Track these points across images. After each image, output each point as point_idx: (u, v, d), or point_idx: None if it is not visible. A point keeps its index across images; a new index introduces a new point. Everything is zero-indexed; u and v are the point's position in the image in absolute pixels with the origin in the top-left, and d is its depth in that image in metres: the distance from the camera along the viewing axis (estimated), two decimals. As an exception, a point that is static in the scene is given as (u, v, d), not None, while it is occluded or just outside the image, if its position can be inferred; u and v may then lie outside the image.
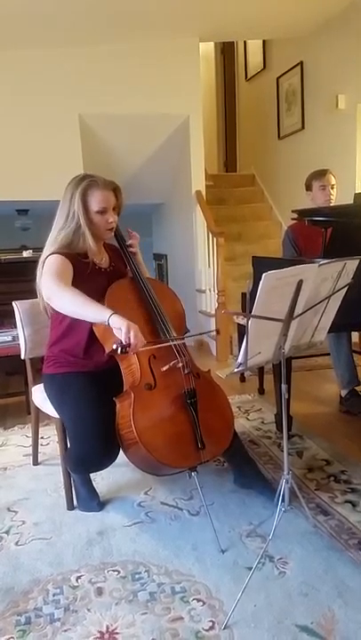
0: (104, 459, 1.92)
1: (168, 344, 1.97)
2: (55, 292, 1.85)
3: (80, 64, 4.53)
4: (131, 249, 2.19)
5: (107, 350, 1.95)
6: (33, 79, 4.46)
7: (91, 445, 1.89)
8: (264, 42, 6.11)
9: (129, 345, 1.70)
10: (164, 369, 1.93)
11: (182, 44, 4.75)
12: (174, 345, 1.99)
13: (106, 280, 2.06)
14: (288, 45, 5.53)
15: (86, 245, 2.01)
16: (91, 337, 2.00)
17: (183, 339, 2.07)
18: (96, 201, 1.98)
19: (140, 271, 2.14)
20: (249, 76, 6.73)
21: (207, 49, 7.50)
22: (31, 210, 5.86)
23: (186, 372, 1.96)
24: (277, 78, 5.78)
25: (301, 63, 5.26)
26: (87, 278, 2.00)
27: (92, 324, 1.98)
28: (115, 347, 1.71)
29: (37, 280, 2.02)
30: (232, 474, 2.21)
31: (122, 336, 1.70)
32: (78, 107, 4.59)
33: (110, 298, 1.98)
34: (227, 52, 7.56)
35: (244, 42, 6.77)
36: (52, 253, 1.97)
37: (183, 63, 4.79)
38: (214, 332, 1.94)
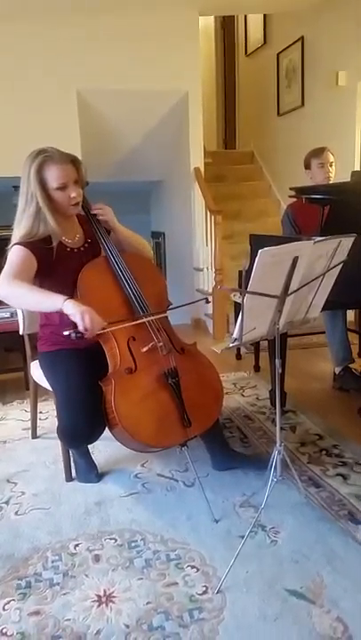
0: (87, 432, 1.93)
1: (137, 322, 1.90)
2: (7, 292, 1.80)
3: (78, 39, 4.46)
4: (100, 218, 2.06)
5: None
6: (30, 54, 4.40)
7: (76, 419, 1.91)
8: (265, 16, 6.01)
9: (86, 330, 1.68)
10: (144, 350, 1.91)
11: (182, 18, 4.68)
12: (150, 325, 1.95)
13: (79, 260, 1.99)
14: (289, 20, 5.45)
15: (49, 229, 1.91)
16: None
17: (153, 315, 1.97)
18: (53, 177, 1.87)
19: (113, 249, 2.03)
20: (249, 52, 6.64)
21: (207, 23, 7.38)
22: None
23: (164, 352, 1.93)
24: (278, 54, 5.71)
25: (302, 38, 5.19)
26: (56, 264, 1.94)
27: None
28: (67, 333, 1.70)
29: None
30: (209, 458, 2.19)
31: (77, 323, 1.69)
32: (76, 82, 4.54)
33: (83, 281, 1.93)
34: (227, 27, 7.44)
35: (245, 16, 6.65)
36: (17, 243, 1.90)
37: (182, 38, 4.73)
38: (204, 301, 1.89)
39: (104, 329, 1.76)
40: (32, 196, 1.88)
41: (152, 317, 1.94)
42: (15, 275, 1.83)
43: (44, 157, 1.87)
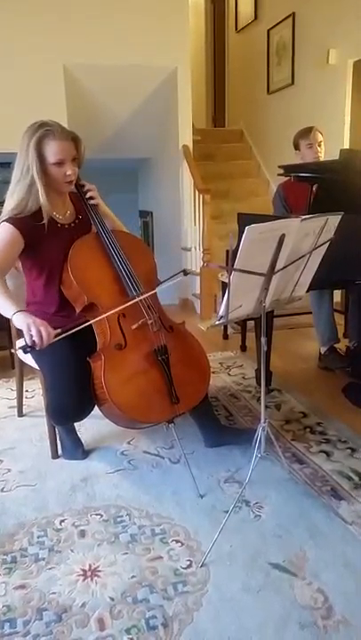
0: (77, 410, 1.95)
1: (124, 307, 1.86)
2: None
3: (65, 12, 4.35)
4: (91, 201, 2.06)
5: (77, 310, 1.96)
6: (16, 28, 4.28)
7: (66, 396, 1.92)
8: (256, -10, 5.91)
9: (34, 343, 1.65)
10: (134, 327, 1.92)
11: (171, -8, 4.58)
12: (142, 302, 1.95)
13: (69, 237, 1.99)
14: (280, -5, 5.36)
15: (40, 203, 1.89)
16: (63, 296, 2.00)
17: (141, 295, 1.94)
18: (52, 152, 1.85)
19: (105, 225, 2.04)
20: (239, 28, 6.53)
21: (197, -3, 7.24)
22: (13, 163, 5.73)
23: (155, 329, 1.95)
24: (268, 30, 5.62)
25: (293, 15, 5.10)
26: (46, 239, 1.94)
27: (60, 284, 1.97)
28: (18, 348, 1.68)
29: None
30: (201, 435, 2.20)
31: (25, 336, 1.66)
32: (63, 57, 4.43)
33: (74, 257, 1.94)
34: (217, 2, 7.29)
35: (236, -10, 6.53)
36: (6, 220, 1.89)
37: (171, 12, 4.62)
38: (182, 274, 1.84)
39: (57, 335, 1.71)
40: (28, 169, 1.87)
41: (140, 298, 1.92)
42: None
43: (46, 131, 1.86)
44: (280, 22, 5.36)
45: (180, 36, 4.72)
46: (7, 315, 1.73)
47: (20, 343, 1.68)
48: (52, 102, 4.39)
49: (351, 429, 2.33)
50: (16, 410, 2.60)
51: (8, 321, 2.48)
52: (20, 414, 2.60)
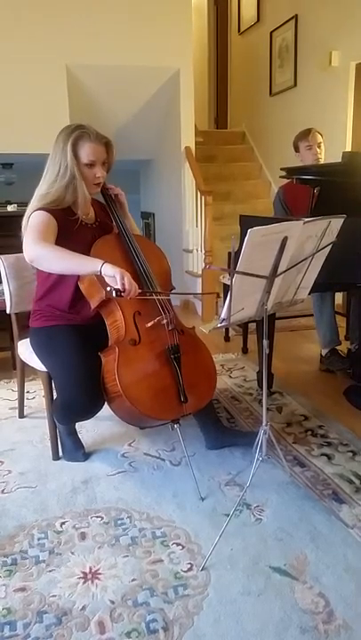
0: (89, 406, 1.95)
1: (159, 297, 1.99)
2: (40, 254, 1.82)
3: (68, 13, 4.36)
4: (118, 196, 2.17)
5: (92, 306, 1.97)
6: (19, 28, 4.29)
7: (76, 393, 1.93)
8: (259, -7, 5.91)
9: (124, 290, 1.73)
10: (149, 325, 1.95)
11: (174, -6, 4.58)
12: (159, 301, 2.00)
13: (91, 235, 2.04)
14: (283, -3, 5.36)
15: (76, 198, 1.98)
16: (77, 292, 2.01)
17: (169, 295, 2.09)
18: (85, 153, 1.95)
19: (127, 227, 2.12)
20: (242, 30, 6.53)
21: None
22: (16, 164, 5.74)
23: (170, 328, 1.98)
24: (271, 32, 5.62)
25: (296, 17, 5.11)
26: (74, 234, 1.98)
27: (77, 279, 1.98)
28: (109, 290, 1.75)
29: (23, 232, 1.99)
30: (203, 436, 2.22)
31: (117, 283, 1.73)
32: (66, 57, 4.44)
33: (95, 253, 1.97)
34: (220, 4, 7.30)
35: (238, -8, 6.53)
36: (39, 209, 1.94)
37: (175, 14, 4.63)
38: (216, 295, 1.93)
39: (139, 295, 1.81)
40: (66, 168, 1.94)
41: (160, 297, 2.00)
42: (43, 237, 1.87)
43: (82, 132, 1.95)
44: (283, 24, 5.36)
45: (182, 37, 4.73)
46: (94, 268, 1.76)
47: (108, 288, 1.77)
48: (54, 103, 4.41)
49: (353, 432, 2.33)
50: (17, 411, 2.60)
51: (9, 322, 2.51)
52: (21, 415, 2.59)
